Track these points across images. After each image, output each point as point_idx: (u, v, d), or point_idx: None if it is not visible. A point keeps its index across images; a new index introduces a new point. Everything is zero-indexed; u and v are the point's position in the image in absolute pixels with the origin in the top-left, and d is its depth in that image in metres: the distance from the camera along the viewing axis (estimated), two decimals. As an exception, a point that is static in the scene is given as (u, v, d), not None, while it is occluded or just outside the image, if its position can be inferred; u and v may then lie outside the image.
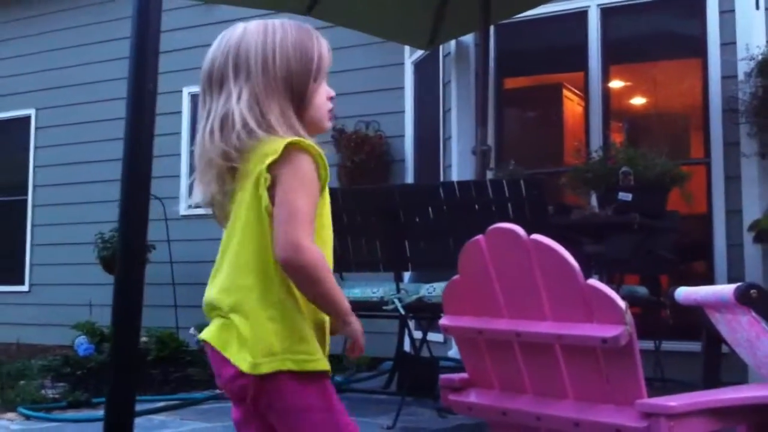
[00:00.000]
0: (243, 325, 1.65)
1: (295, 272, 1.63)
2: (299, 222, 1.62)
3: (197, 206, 1.82)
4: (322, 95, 1.78)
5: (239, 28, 1.77)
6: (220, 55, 1.75)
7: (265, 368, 1.63)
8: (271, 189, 1.65)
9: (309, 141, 1.68)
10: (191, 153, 8.70)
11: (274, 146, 1.65)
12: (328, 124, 1.81)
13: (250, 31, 1.75)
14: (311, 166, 1.67)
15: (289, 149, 1.64)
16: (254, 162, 1.67)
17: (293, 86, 1.72)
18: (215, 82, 1.74)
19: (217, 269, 1.74)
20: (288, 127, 1.70)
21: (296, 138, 1.67)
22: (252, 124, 1.66)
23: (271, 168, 1.64)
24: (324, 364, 1.69)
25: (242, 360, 1.64)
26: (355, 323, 1.71)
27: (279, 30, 1.75)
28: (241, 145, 1.67)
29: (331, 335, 1.75)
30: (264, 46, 1.72)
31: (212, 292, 1.73)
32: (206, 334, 1.72)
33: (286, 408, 1.66)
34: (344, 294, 1.71)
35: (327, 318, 1.74)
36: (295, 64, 1.73)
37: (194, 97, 8.81)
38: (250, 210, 1.68)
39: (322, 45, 1.80)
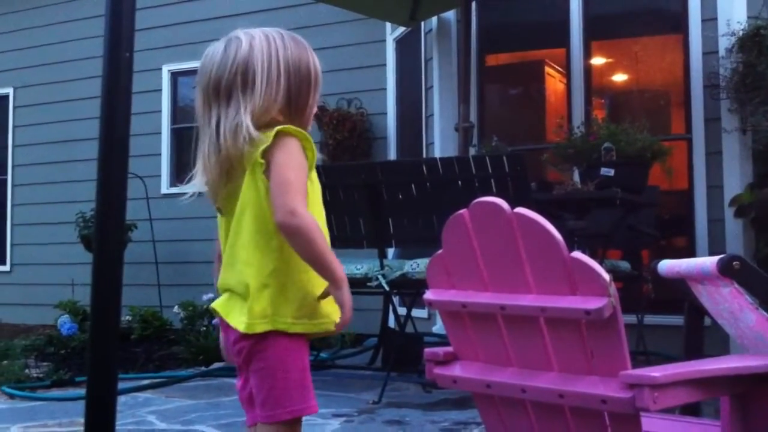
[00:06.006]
0: (243, 294, 1.91)
1: (292, 235, 1.86)
2: (292, 191, 1.85)
3: (191, 195, 2.04)
4: (314, 106, 2.02)
5: (245, 43, 1.94)
6: (228, 69, 1.93)
7: (259, 328, 1.88)
8: (267, 172, 1.88)
9: (295, 127, 1.90)
10: (172, 131, 8.70)
11: (265, 137, 1.88)
12: (308, 129, 2.02)
13: (256, 48, 1.94)
14: (298, 147, 1.90)
15: (279, 135, 1.88)
16: (251, 154, 1.89)
17: (291, 97, 1.95)
18: (223, 93, 1.93)
19: (225, 252, 1.99)
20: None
21: (284, 126, 1.90)
22: (254, 133, 1.88)
23: (264, 154, 1.87)
24: (310, 327, 1.91)
25: (240, 323, 1.89)
26: (346, 293, 1.89)
27: (281, 47, 1.96)
28: (247, 149, 1.89)
29: (323, 298, 1.92)
30: (269, 64, 1.93)
31: (223, 273, 1.98)
32: (215, 303, 1.99)
33: (269, 365, 1.89)
34: (341, 266, 1.90)
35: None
36: (294, 78, 1.95)
37: (174, 75, 8.74)
38: (247, 193, 1.91)
39: (316, 60, 2.02)
